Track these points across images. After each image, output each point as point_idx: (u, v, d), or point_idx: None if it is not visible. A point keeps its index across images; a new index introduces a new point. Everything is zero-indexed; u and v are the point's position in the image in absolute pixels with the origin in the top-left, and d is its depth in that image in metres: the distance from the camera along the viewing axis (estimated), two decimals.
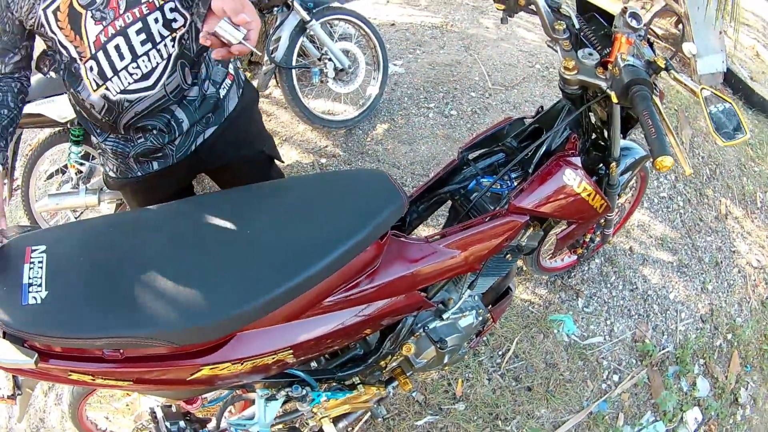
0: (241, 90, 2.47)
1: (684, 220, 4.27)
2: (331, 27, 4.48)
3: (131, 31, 1.97)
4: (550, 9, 2.09)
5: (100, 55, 1.98)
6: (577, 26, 2.12)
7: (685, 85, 2.00)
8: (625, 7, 1.96)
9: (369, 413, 2.96)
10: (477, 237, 2.08)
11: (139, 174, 2.38)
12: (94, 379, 1.73)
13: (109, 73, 2.02)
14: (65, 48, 1.99)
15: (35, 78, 3.75)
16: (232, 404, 2.43)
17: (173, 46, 2.09)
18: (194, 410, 2.46)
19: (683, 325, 3.69)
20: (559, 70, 2.11)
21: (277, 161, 2.75)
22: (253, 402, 2.34)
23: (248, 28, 1.68)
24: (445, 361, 2.41)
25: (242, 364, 1.80)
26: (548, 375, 3.33)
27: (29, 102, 3.70)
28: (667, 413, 3.43)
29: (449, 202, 2.47)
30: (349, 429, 3.06)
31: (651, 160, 2.58)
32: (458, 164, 2.39)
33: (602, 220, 3.10)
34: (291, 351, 1.87)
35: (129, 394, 2.78)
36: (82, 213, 4.61)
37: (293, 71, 4.20)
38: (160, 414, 2.41)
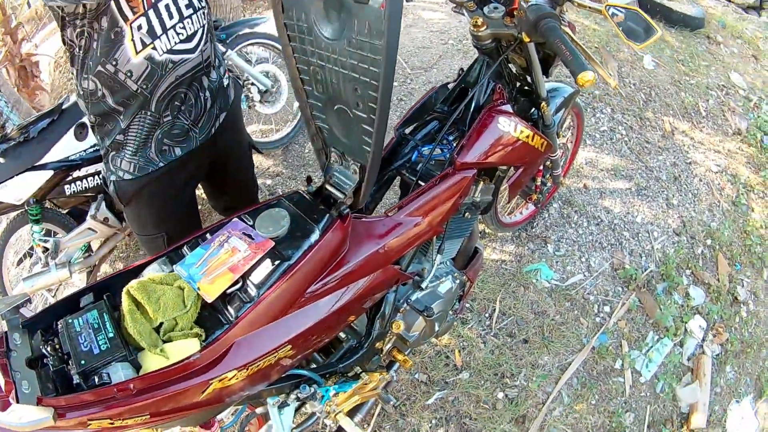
0: (230, 81, 2.62)
1: (631, 147, 4.37)
2: (247, 54, 4.54)
3: None
4: None
5: (151, 12, 2.04)
6: None
7: (589, 7, 2.13)
8: None
9: (381, 405, 3.02)
10: (433, 200, 2.16)
11: (161, 164, 2.40)
12: (113, 423, 1.77)
13: (158, 30, 2.07)
14: (116, 5, 1.97)
15: None
16: (248, 424, 2.47)
17: (204, 18, 2.22)
18: None
19: (658, 243, 3.78)
20: (468, 29, 2.20)
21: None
22: (267, 418, 2.40)
23: None
24: (436, 329, 2.50)
25: (247, 369, 1.86)
26: (540, 323, 3.41)
27: None
28: (670, 328, 3.54)
29: (398, 179, 2.53)
30: (366, 422, 3.13)
31: (576, 92, 2.73)
32: (396, 141, 2.46)
33: (548, 162, 3.20)
34: (290, 346, 1.93)
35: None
36: (57, 290, 4.62)
37: None
38: None
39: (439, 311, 2.40)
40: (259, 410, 2.41)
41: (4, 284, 4.36)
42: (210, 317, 1.91)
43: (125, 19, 2.00)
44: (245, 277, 1.88)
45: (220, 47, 4.07)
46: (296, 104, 4.79)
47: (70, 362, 1.82)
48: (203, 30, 2.21)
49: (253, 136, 4.54)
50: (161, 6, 2.05)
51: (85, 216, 3.97)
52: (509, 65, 2.43)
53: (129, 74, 2.12)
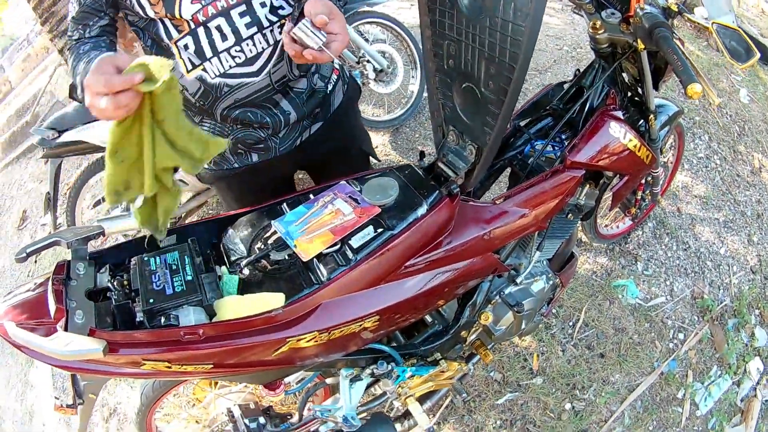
0: (346, 86, 2.38)
1: (723, 177, 4.24)
2: (364, 32, 4.45)
3: (234, 13, 1.86)
4: None
5: (200, 31, 1.86)
6: None
7: (697, 23, 2.08)
8: None
9: (451, 397, 2.92)
10: (541, 194, 2.07)
11: (236, 165, 2.27)
12: (170, 366, 1.69)
13: (208, 53, 1.89)
14: (161, 22, 1.87)
15: (72, 105, 3.75)
16: (314, 393, 2.38)
17: (281, 34, 1.92)
18: (276, 399, 2.45)
19: (736, 278, 3.66)
20: (587, 31, 2.13)
21: (372, 159, 2.65)
22: (334, 390, 2.33)
23: (331, 39, 1.65)
24: (523, 326, 2.40)
25: (328, 333, 1.78)
26: (618, 340, 3.31)
27: (67, 130, 3.69)
28: (732, 365, 3.42)
29: (508, 170, 2.46)
30: (433, 412, 3.06)
31: (680, 112, 2.63)
32: (510, 132, 2.38)
33: (650, 178, 3.11)
34: (377, 317, 1.85)
35: (200, 400, 2.71)
36: (134, 236, 4.60)
37: None
38: (237, 413, 2.39)
39: (529, 309, 2.30)
40: (328, 380, 2.34)
41: (75, 221, 4.37)
42: (299, 275, 1.82)
43: (170, 37, 1.89)
44: (345, 240, 1.80)
45: None
46: (410, 87, 4.74)
47: (136, 300, 1.76)
48: (273, 49, 1.97)
49: (364, 114, 4.51)
50: (212, 26, 1.87)
51: (176, 169, 3.91)
52: (623, 73, 2.36)
53: (185, 88, 2.00)
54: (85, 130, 3.71)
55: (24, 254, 1.79)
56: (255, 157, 2.24)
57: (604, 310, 3.41)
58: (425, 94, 4.76)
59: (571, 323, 3.39)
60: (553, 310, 3.39)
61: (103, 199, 4.57)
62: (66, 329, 1.58)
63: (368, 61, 4.29)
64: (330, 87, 2.27)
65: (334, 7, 1.69)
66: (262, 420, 2.36)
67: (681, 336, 3.40)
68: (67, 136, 3.74)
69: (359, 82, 4.22)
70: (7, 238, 7.40)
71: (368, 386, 2.29)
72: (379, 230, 1.79)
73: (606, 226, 3.57)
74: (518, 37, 1.46)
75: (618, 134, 2.15)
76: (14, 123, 10.00)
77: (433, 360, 2.34)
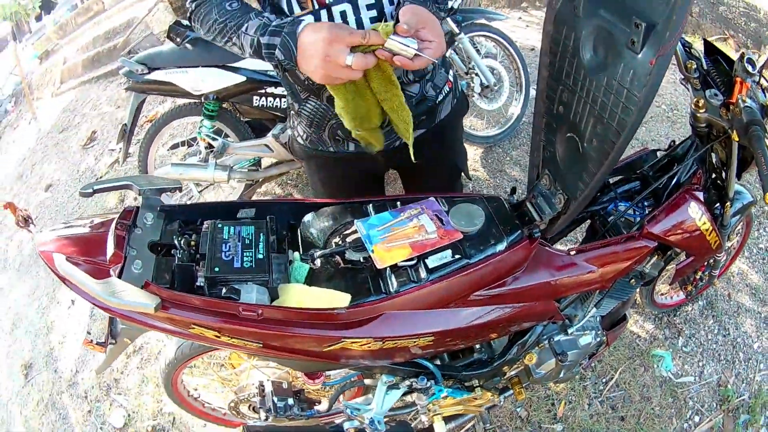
0: (456, 99, 2.35)
1: None
2: (477, 44, 4.43)
3: (362, 3, 1.81)
4: (683, 48, 2.09)
5: (323, 13, 1.80)
6: (704, 67, 2.10)
7: None
8: (743, 53, 1.94)
9: (474, 423, 2.92)
10: (612, 256, 2.05)
11: (332, 150, 2.25)
12: (219, 336, 1.70)
13: None
14: None
15: (168, 47, 3.77)
16: (349, 389, 2.39)
17: None
18: (313, 387, 2.45)
19: (760, 375, 3.58)
20: (690, 107, 2.11)
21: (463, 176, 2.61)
22: (367, 390, 2.36)
23: (424, 46, 1.59)
24: (561, 375, 2.40)
25: (383, 342, 1.78)
26: (641, 408, 3.27)
27: (159, 69, 3.73)
28: None
29: (588, 222, 2.46)
30: None
31: (754, 202, 2.68)
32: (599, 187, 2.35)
33: (712, 260, 3.06)
34: (432, 338, 1.85)
35: (234, 366, 2.73)
36: (205, 188, 4.62)
37: None
38: (269, 388, 2.40)
39: (571, 361, 2.29)
40: (366, 381, 2.34)
41: (147, 160, 4.40)
42: (369, 280, 1.82)
43: (291, 11, 1.82)
44: (422, 257, 1.79)
45: (455, 28, 3.97)
46: (512, 109, 4.75)
47: (200, 264, 1.75)
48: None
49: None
50: (336, 11, 1.80)
51: (266, 132, 3.93)
52: (712, 153, 2.32)
53: None
54: (177, 74, 3.75)
55: (90, 190, 1.83)
56: (352, 147, 2.22)
57: (638, 375, 3.38)
58: (525, 119, 4.76)
59: (604, 380, 3.37)
60: (593, 363, 3.37)
61: (182, 143, 4.62)
62: (120, 276, 1.59)
63: (476, 74, 4.28)
64: (441, 97, 2.25)
65: (426, 13, 1.64)
66: (290, 401, 2.38)
67: (696, 419, 3.33)
68: (156, 75, 3.79)
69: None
70: (70, 153, 7.47)
71: (404, 395, 2.27)
72: (457, 256, 1.78)
73: (662, 294, 3.55)
74: (630, 106, 1.45)
75: (695, 215, 2.14)
76: (101, 44, 10.08)
77: (470, 386, 2.35)
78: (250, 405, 2.73)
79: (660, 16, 1.30)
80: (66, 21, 13.25)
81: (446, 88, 2.28)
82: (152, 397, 3.78)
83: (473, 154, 4.69)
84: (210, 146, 3.92)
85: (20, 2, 12.45)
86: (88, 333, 2.12)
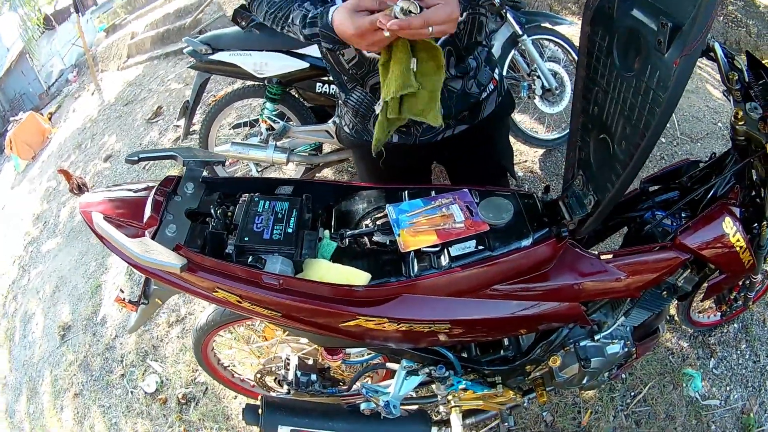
0: (500, 98, 2.33)
1: None
2: (541, 47, 4.43)
3: None
4: (726, 59, 2.05)
5: None
6: (747, 79, 2.07)
7: None
8: None
9: (497, 422, 2.91)
10: (643, 264, 2.03)
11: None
12: (240, 302, 1.75)
13: None
14: None
15: (233, 29, 3.84)
16: (372, 371, 2.40)
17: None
18: (333, 364, 2.47)
19: None
20: (730, 119, 2.08)
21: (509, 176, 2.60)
22: (391, 376, 2.33)
23: (431, 3, 1.52)
24: (584, 382, 2.36)
25: (398, 324, 1.79)
26: (664, 426, 3.22)
27: (223, 51, 3.79)
28: None
29: (626, 229, 2.43)
30: (475, 429, 3.04)
31: None
32: (637, 195, 2.35)
33: (747, 281, 2.99)
34: (448, 325, 1.86)
35: (267, 338, 2.77)
36: (264, 168, 4.70)
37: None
38: (294, 362, 2.44)
39: (595, 368, 2.27)
40: (389, 365, 2.36)
41: (208, 136, 4.45)
42: (391, 263, 1.84)
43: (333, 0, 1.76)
44: (446, 245, 1.80)
45: (518, 30, 3.97)
46: None
47: (233, 233, 1.80)
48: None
49: (521, 126, 4.49)
50: None
51: (328, 118, 3.96)
52: (752, 170, 2.26)
53: (341, 53, 2.00)
54: (240, 56, 3.80)
55: (136, 157, 1.89)
56: (395, 138, 2.24)
57: (666, 392, 3.33)
58: None
59: (632, 393, 3.32)
60: (623, 375, 3.33)
61: (244, 124, 4.71)
62: (153, 238, 1.65)
63: (538, 77, 4.24)
64: (484, 95, 2.24)
65: None
66: (313, 377, 2.41)
67: None
68: (220, 56, 3.85)
69: (524, 95, 4.18)
70: (134, 127, 7.58)
71: (423, 384, 2.30)
72: (480, 247, 1.79)
73: (699, 313, 3.50)
74: (656, 107, 1.45)
75: (729, 231, 2.10)
76: (171, 21, 10.27)
77: (492, 382, 2.34)
78: (275, 377, 2.76)
79: (686, 17, 1.29)
80: None
81: (491, 86, 2.27)
82: (188, 366, 3.84)
83: (532, 156, 4.69)
84: (271, 128, 3.95)
85: None
86: (121, 291, 2.16)
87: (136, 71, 9.92)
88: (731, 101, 2.10)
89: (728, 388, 3.40)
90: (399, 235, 1.82)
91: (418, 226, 1.84)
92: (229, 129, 5.06)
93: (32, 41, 16.69)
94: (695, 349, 3.53)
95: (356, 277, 1.77)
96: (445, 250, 1.79)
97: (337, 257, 1.86)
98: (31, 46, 17.05)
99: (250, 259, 1.74)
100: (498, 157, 2.52)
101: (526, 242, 1.82)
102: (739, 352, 3.55)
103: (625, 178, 1.61)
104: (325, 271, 1.78)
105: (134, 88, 9.11)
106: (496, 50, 3.97)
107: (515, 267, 1.83)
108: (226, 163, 4.91)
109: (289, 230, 1.81)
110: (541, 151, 4.72)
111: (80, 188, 6.47)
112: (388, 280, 1.78)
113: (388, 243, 1.89)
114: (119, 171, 6.75)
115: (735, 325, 3.63)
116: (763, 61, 2.12)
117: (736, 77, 2.01)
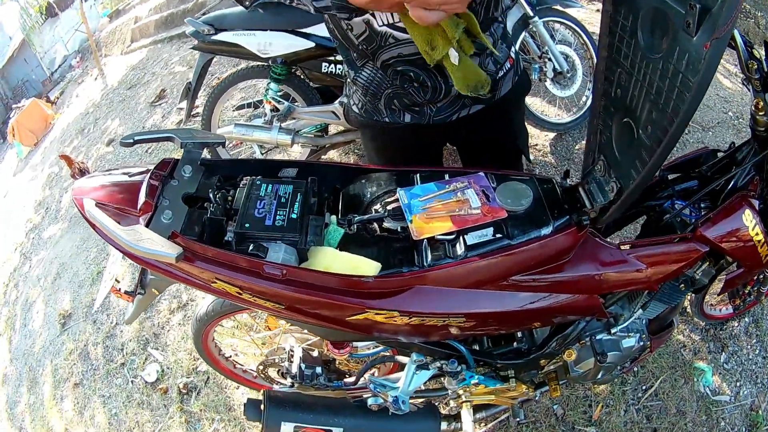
0: (517, 77, 2.30)
1: None
2: (552, 30, 4.37)
3: None
4: (746, 47, 1.98)
5: None
6: (766, 69, 1.98)
7: None
8: None
9: (507, 414, 2.84)
10: (663, 255, 1.95)
11: (387, 120, 2.21)
12: (240, 294, 1.67)
13: None
14: None
15: (237, 9, 3.79)
16: (380, 364, 2.33)
17: None
18: (339, 357, 2.39)
19: None
20: (750, 108, 2.01)
21: (524, 158, 2.56)
22: (400, 368, 2.28)
23: None
24: (599, 376, 2.30)
25: (410, 317, 1.71)
26: (675, 421, 3.17)
27: (225, 31, 3.73)
28: None
29: (644, 217, 2.36)
30: (485, 422, 2.99)
31: None
32: (656, 183, 2.28)
33: (762, 275, 2.97)
34: (463, 319, 1.77)
35: (270, 328, 2.69)
36: (269, 150, 4.63)
37: None
38: (299, 354, 2.36)
39: (611, 362, 2.19)
40: (399, 357, 2.28)
41: (211, 118, 4.41)
42: (403, 251, 1.75)
43: None
44: (461, 233, 1.71)
45: (529, 11, 3.91)
46: (584, 98, 4.66)
47: (233, 219, 1.72)
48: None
49: (533, 109, 4.47)
50: None
51: (334, 99, 3.90)
52: None
53: (350, 28, 1.91)
54: (243, 36, 3.75)
55: (131, 140, 1.80)
56: (408, 118, 2.18)
57: (678, 387, 3.28)
58: None
59: (644, 387, 3.27)
60: (635, 368, 3.28)
61: (248, 105, 4.68)
62: (148, 225, 1.58)
63: (549, 59, 4.21)
64: (501, 73, 2.18)
65: None
66: (318, 370, 2.34)
67: None
68: (223, 36, 3.79)
69: (535, 77, 4.13)
70: (137, 110, 7.59)
71: (433, 377, 2.22)
72: (498, 235, 1.70)
73: (711, 305, 3.44)
74: (685, 91, 1.37)
75: (748, 223, 2.02)
76: (175, 5, 10.24)
77: (505, 376, 2.26)
78: (278, 369, 2.68)
79: None
80: None
81: (507, 65, 2.21)
82: (189, 355, 3.79)
83: (543, 140, 4.63)
84: (276, 109, 3.89)
85: None
86: (117, 281, 2.09)
87: (140, 55, 9.91)
88: (751, 91, 2.02)
89: (738, 384, 3.36)
90: (411, 221, 1.73)
91: (431, 211, 1.75)
92: (233, 111, 5.00)
93: (33, 31, 16.67)
94: (707, 342, 3.48)
95: (365, 266, 1.68)
96: (461, 237, 1.70)
97: (345, 245, 1.78)
98: (31, 37, 17.05)
99: (251, 248, 1.65)
100: (513, 138, 2.46)
101: (546, 230, 1.73)
102: (749, 346, 3.51)
103: (652, 164, 1.52)
104: (332, 259, 1.69)
105: (138, 71, 9.08)
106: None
107: (535, 257, 1.74)
108: (230, 145, 4.85)
109: (293, 216, 1.73)
110: (551, 135, 4.66)
111: (82, 173, 6.40)
112: (400, 270, 1.69)
113: (399, 230, 1.80)
114: (122, 155, 6.69)
115: (746, 319, 3.59)
116: None
117: (756, 66, 1.93)
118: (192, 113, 4.66)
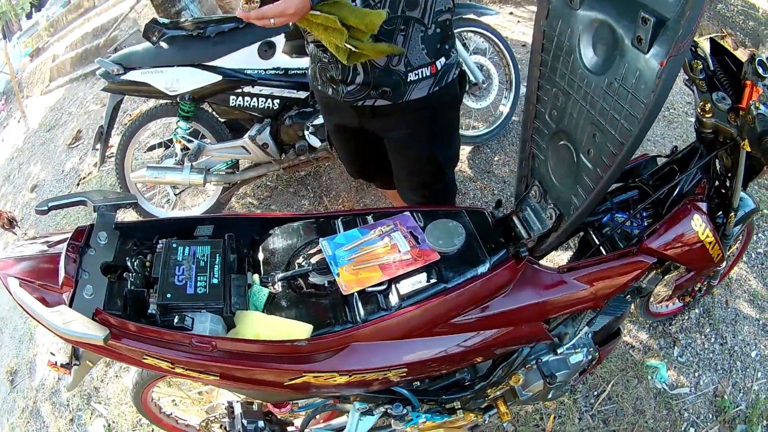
0: (436, 87, 2.26)
1: None
2: (465, 40, 4.27)
3: None
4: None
5: None
6: (711, 68, 1.94)
7: None
8: (753, 54, 1.77)
9: None
10: (607, 274, 1.88)
11: (320, 88, 2.38)
12: (172, 367, 1.57)
13: None
14: None
15: (143, 46, 3.66)
16: (321, 412, 2.22)
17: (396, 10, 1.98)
18: (280, 414, 2.30)
19: (758, 384, 3.45)
20: (696, 111, 1.93)
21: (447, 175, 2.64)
22: (340, 413, 2.21)
23: None
24: (549, 396, 2.23)
25: (350, 376, 1.62)
26: (634, 421, 3.13)
27: (134, 69, 3.57)
28: None
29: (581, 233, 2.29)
30: None
31: (757, 209, 2.53)
32: None
33: (712, 271, 2.89)
34: (406, 369, 1.68)
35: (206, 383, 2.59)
36: (182, 191, 4.54)
37: None
38: (238, 410, 2.26)
39: (561, 381, 2.12)
40: (341, 405, 2.15)
41: (123, 163, 4.22)
42: (334, 308, 1.66)
43: None
44: (393, 281, 1.62)
45: None
46: (501, 108, 4.58)
47: (154, 288, 1.63)
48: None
49: None
50: None
51: (243, 132, 3.84)
52: (716, 160, 2.14)
53: None
54: (151, 74, 3.60)
55: (46, 207, 1.73)
56: (330, 92, 2.31)
57: (631, 387, 3.24)
58: (514, 118, 4.60)
59: (595, 393, 3.23)
60: (584, 377, 3.19)
61: (159, 145, 4.56)
62: (71, 303, 1.48)
63: (464, 71, 4.08)
64: (412, 77, 2.18)
65: None
66: (261, 424, 2.21)
67: (692, 431, 3.22)
68: (131, 75, 3.64)
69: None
70: (56, 153, 7.43)
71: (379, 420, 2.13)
72: (433, 280, 1.61)
73: (657, 303, 3.41)
74: (635, 113, 1.30)
75: (698, 228, 1.96)
76: (89, 41, 10.04)
77: (451, 408, 2.17)
78: (221, 425, 2.59)
79: (671, 11, 1.13)
80: (57, 18, 13.29)
81: (425, 71, 2.19)
82: (131, 407, 3.63)
83: (461, 153, 4.49)
84: (186, 148, 3.79)
85: (11, 1, 12.39)
86: (52, 354, 1.99)
87: (58, 95, 9.70)
88: (695, 92, 1.95)
89: (696, 374, 3.35)
90: (338, 274, 1.64)
91: (358, 261, 1.66)
92: (144, 152, 4.86)
93: None
94: (656, 339, 3.46)
95: (297, 330, 1.59)
96: (393, 287, 1.62)
97: (272, 306, 1.68)
98: None
99: (176, 320, 1.55)
100: (432, 148, 2.45)
101: (482, 269, 1.65)
102: (703, 336, 3.50)
103: (598, 191, 1.47)
104: (261, 325, 1.60)
105: (56, 112, 8.88)
106: None
107: (473, 297, 1.66)
108: (143, 189, 4.69)
109: (215, 281, 1.63)
110: (468, 149, 4.59)
111: (11, 223, 6.20)
112: (333, 329, 1.60)
113: (326, 284, 1.70)
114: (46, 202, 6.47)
115: (696, 311, 3.58)
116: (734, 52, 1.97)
117: (700, 66, 1.87)
118: (107, 155, 4.50)
